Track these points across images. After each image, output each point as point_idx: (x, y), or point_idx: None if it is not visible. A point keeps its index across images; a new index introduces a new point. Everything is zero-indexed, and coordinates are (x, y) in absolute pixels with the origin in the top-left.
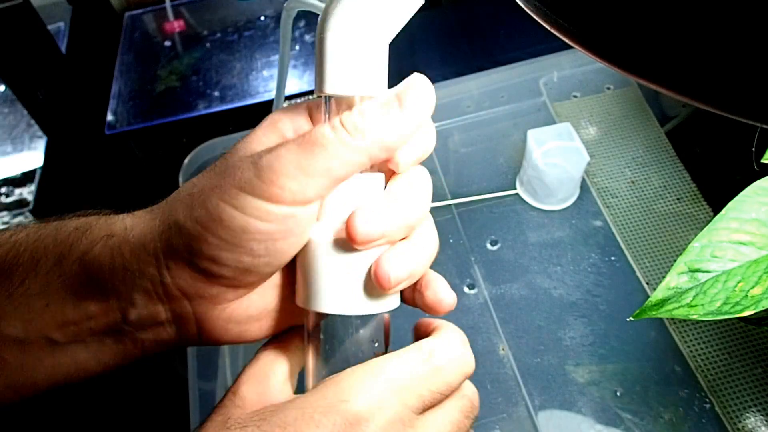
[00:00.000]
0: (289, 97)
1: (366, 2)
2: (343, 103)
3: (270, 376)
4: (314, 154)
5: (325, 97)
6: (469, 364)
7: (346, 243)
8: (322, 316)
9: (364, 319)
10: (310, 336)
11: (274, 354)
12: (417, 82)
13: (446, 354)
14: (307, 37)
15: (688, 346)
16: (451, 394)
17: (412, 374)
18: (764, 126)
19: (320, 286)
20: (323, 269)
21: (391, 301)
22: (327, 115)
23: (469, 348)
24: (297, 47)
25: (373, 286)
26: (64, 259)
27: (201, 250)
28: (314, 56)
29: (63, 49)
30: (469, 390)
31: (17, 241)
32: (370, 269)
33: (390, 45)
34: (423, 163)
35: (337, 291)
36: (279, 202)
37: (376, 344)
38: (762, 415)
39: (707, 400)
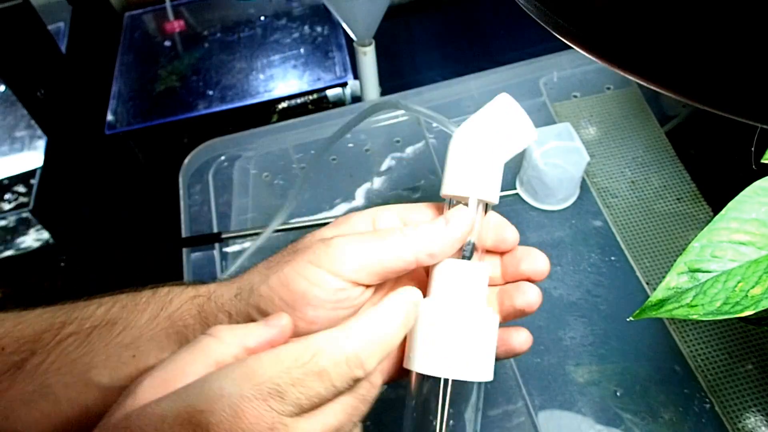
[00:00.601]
0: (289, 97)
1: (488, 128)
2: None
3: (178, 379)
4: (373, 244)
5: (448, 199)
6: (360, 365)
7: (450, 317)
8: (424, 381)
9: (459, 390)
10: (412, 400)
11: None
12: (461, 211)
13: (334, 355)
14: (304, 39)
15: (688, 346)
16: (341, 395)
17: (286, 378)
18: (764, 126)
19: (422, 351)
20: (429, 336)
21: (486, 372)
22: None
23: (377, 343)
24: (301, 49)
25: (473, 355)
26: (156, 315)
27: (266, 310)
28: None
29: (63, 49)
30: (364, 388)
31: (119, 300)
32: (468, 343)
33: (390, 45)
34: (421, 163)
35: (437, 355)
36: (337, 275)
37: (468, 422)
38: (762, 415)
39: (707, 400)
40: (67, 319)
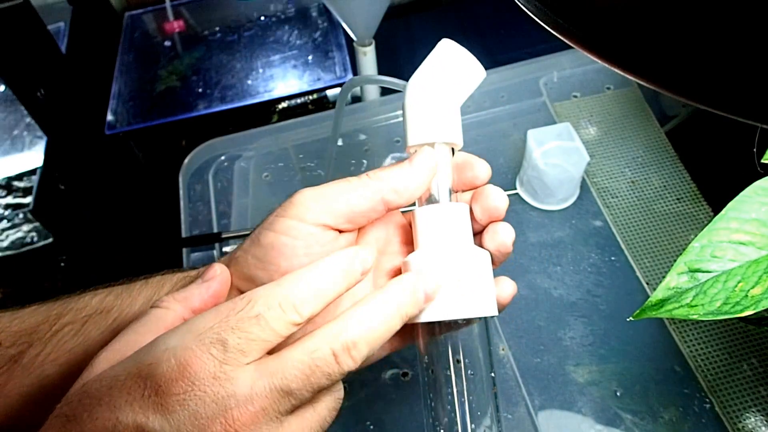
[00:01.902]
0: (289, 97)
1: (438, 74)
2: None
3: (133, 349)
4: (336, 187)
5: (414, 152)
6: (294, 309)
7: (439, 262)
8: (431, 330)
9: (467, 330)
10: (421, 361)
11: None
12: (424, 151)
13: (268, 300)
14: (304, 39)
15: (688, 346)
16: (291, 343)
17: (225, 326)
18: (764, 126)
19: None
20: None
21: (490, 307)
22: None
23: (310, 290)
24: (301, 49)
25: (473, 292)
26: (149, 300)
27: (243, 272)
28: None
29: (63, 49)
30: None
31: (113, 289)
32: (465, 281)
33: (390, 45)
34: None
35: (438, 300)
36: (303, 220)
37: (486, 371)
38: (762, 415)
39: (707, 400)
40: (62, 310)
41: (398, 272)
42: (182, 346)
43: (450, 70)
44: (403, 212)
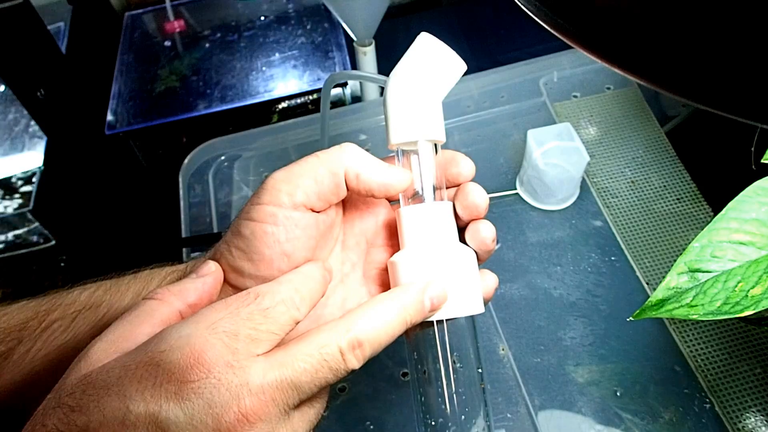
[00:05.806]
0: (289, 97)
1: (419, 70)
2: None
3: (129, 339)
4: (308, 163)
5: (397, 150)
6: (296, 307)
7: (425, 262)
8: (419, 330)
9: (455, 329)
10: (411, 357)
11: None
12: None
13: (273, 297)
14: (304, 39)
15: (688, 346)
16: (294, 339)
17: (236, 317)
18: (764, 126)
19: None
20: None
21: (476, 305)
22: (399, 165)
23: (306, 289)
24: (301, 49)
25: (459, 290)
26: (139, 295)
27: (229, 264)
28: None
29: (63, 49)
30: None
31: (102, 284)
32: (451, 281)
33: (390, 45)
34: None
35: None
36: (279, 204)
37: (474, 366)
38: (762, 415)
39: (707, 400)
40: (51, 306)
41: (386, 266)
42: (195, 335)
43: (430, 64)
44: (392, 204)
